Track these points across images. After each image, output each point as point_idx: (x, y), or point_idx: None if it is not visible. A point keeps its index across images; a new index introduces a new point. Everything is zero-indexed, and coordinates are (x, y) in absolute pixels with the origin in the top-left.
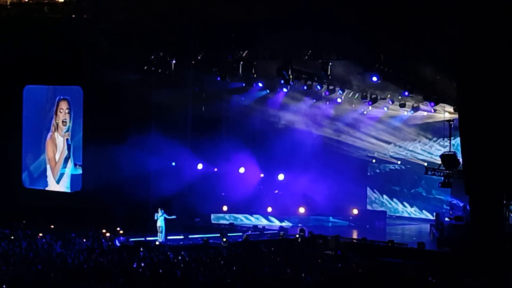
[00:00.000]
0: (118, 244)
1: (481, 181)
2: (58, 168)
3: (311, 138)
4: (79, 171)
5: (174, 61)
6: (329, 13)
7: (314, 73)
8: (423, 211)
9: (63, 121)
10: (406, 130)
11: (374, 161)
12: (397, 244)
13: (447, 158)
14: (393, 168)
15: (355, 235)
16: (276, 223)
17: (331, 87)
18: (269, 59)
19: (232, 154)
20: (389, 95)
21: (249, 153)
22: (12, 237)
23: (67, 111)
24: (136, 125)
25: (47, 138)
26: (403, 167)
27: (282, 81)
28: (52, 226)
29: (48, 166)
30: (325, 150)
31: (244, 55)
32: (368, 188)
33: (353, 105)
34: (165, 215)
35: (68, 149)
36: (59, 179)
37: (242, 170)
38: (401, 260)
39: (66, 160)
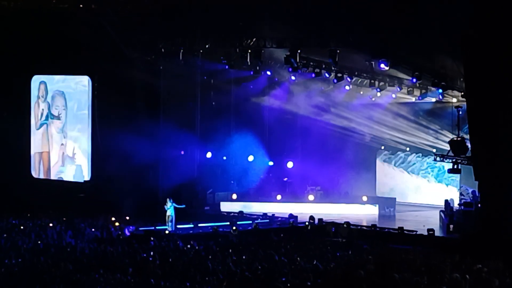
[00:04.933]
0: (128, 234)
1: (490, 167)
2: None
3: (320, 125)
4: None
5: (182, 50)
6: (337, 0)
7: (322, 61)
8: (433, 197)
9: (59, 116)
10: (414, 117)
11: (383, 147)
12: (406, 231)
13: (456, 144)
14: (402, 154)
15: (364, 222)
16: None
17: (339, 75)
18: (277, 47)
19: (240, 142)
20: (397, 82)
21: (258, 141)
22: (22, 227)
23: (62, 108)
24: (144, 114)
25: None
26: (412, 154)
27: (290, 69)
28: (62, 216)
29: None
30: (333, 137)
31: (252, 43)
32: (377, 175)
33: (361, 92)
34: (174, 204)
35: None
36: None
37: (251, 158)
38: (411, 246)
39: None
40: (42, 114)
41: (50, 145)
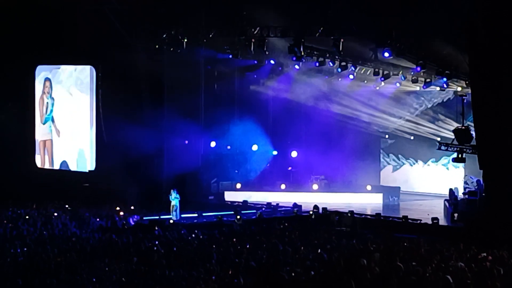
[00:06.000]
0: (133, 223)
1: (494, 155)
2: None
3: (324, 114)
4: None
5: (185, 40)
6: None
7: (326, 50)
8: (437, 186)
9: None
10: (418, 106)
11: (387, 136)
12: (411, 219)
13: (460, 132)
14: (406, 143)
15: (369, 211)
16: None
17: (343, 64)
18: (280, 36)
19: (245, 131)
20: (401, 71)
21: (262, 131)
22: (27, 217)
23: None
24: (148, 104)
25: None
26: (416, 142)
27: (294, 58)
28: (67, 206)
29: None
30: (338, 126)
31: (255, 32)
32: (381, 164)
33: (366, 81)
34: (178, 195)
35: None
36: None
37: (255, 147)
38: (415, 235)
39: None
40: (46, 109)
41: (54, 134)
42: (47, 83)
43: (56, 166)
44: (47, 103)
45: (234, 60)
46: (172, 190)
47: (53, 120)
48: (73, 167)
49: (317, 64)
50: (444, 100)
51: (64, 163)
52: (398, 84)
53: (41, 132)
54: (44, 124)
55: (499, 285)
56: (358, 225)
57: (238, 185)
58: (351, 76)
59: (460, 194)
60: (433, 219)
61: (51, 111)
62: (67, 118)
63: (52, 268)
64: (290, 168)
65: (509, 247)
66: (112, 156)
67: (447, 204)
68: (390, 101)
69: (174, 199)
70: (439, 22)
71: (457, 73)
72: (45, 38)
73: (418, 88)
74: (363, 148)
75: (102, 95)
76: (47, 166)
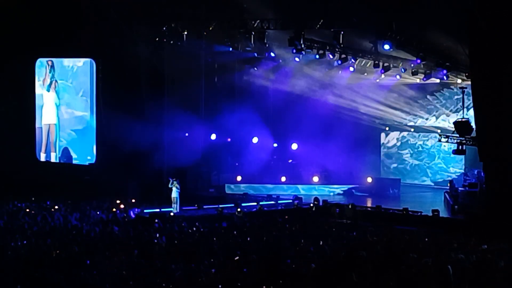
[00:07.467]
0: (133, 216)
1: (495, 147)
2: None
3: (324, 107)
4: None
5: (186, 32)
6: None
7: (326, 42)
8: (437, 178)
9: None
10: (418, 98)
11: (387, 129)
12: (411, 211)
13: (461, 125)
14: (406, 135)
15: (369, 204)
16: None
17: (343, 56)
18: (281, 29)
19: (245, 124)
20: (401, 63)
21: (262, 123)
22: (28, 210)
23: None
24: (149, 97)
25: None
26: (416, 134)
27: (294, 51)
28: (68, 199)
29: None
30: (338, 119)
31: (255, 25)
32: (381, 156)
33: (366, 74)
34: (177, 184)
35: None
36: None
37: (255, 140)
38: (416, 227)
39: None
40: (49, 85)
41: (61, 116)
42: (49, 63)
43: (58, 152)
44: (51, 81)
45: (234, 53)
46: (174, 180)
47: (58, 102)
48: (73, 154)
49: (317, 56)
50: (444, 92)
51: (65, 149)
52: (398, 77)
53: (45, 116)
54: (48, 91)
55: (499, 277)
56: (358, 217)
57: (239, 178)
58: (351, 69)
59: (461, 186)
60: (433, 211)
61: (52, 88)
62: (69, 104)
63: (53, 261)
64: (290, 161)
65: (509, 239)
66: (112, 149)
67: (447, 196)
68: (390, 93)
69: (172, 187)
70: (440, 14)
71: (457, 65)
72: (45, 31)
73: (418, 81)
74: (364, 140)
75: (103, 87)
76: (48, 152)
